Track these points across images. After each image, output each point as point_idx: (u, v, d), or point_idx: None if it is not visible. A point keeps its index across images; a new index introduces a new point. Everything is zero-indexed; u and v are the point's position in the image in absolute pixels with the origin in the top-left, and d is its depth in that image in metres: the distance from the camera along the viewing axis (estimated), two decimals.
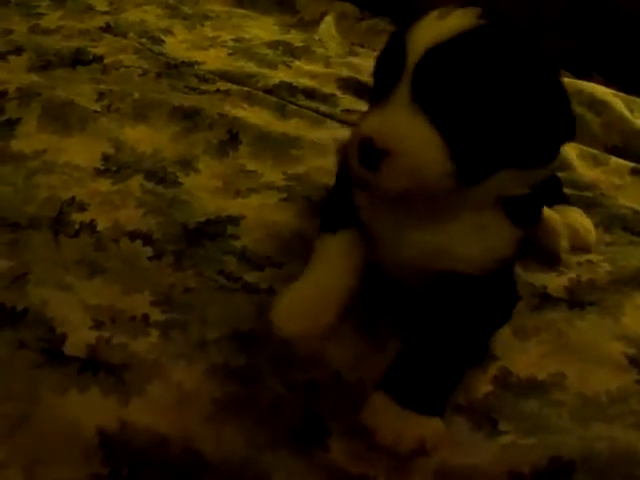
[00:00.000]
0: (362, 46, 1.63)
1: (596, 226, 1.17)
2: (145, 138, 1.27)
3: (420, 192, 0.81)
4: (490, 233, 0.90)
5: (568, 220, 1.13)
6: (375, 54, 1.44)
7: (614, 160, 1.34)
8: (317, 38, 1.60)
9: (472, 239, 0.89)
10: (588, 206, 1.20)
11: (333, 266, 0.93)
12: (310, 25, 1.67)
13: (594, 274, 1.09)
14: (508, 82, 0.80)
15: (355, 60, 1.54)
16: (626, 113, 1.42)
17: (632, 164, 1.33)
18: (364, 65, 1.51)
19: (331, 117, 1.35)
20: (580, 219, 1.15)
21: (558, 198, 1.15)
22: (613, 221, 1.20)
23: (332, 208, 0.99)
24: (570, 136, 0.87)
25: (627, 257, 1.12)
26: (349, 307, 0.93)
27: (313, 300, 0.92)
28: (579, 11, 1.56)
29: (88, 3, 1.73)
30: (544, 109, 0.83)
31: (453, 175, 0.80)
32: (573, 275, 1.09)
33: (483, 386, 0.92)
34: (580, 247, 1.13)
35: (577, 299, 1.05)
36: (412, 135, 0.79)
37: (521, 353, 0.96)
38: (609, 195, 1.26)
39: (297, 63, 1.51)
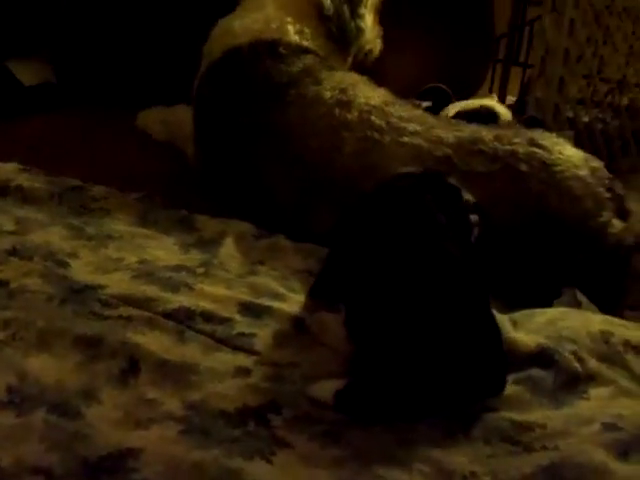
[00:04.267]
0: (262, 263, 1.71)
1: (476, 438, 1.25)
2: (49, 368, 1.31)
3: None
4: None
5: None
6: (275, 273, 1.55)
7: None
8: (217, 262, 1.67)
9: None
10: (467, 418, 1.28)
11: None
12: (209, 244, 1.75)
13: None
14: None
15: (256, 279, 1.63)
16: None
17: (513, 375, 1.40)
18: (263, 284, 1.61)
19: (225, 342, 1.42)
20: None
21: None
22: (492, 433, 1.27)
23: None
24: None
25: (508, 469, 1.19)
26: None
27: None
28: None
29: None
30: None
31: None
32: None
33: None
34: None
35: None
36: None
37: None
38: (489, 406, 1.33)
39: (199, 286, 1.57)
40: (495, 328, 1.31)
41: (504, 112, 2.09)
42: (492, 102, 2.20)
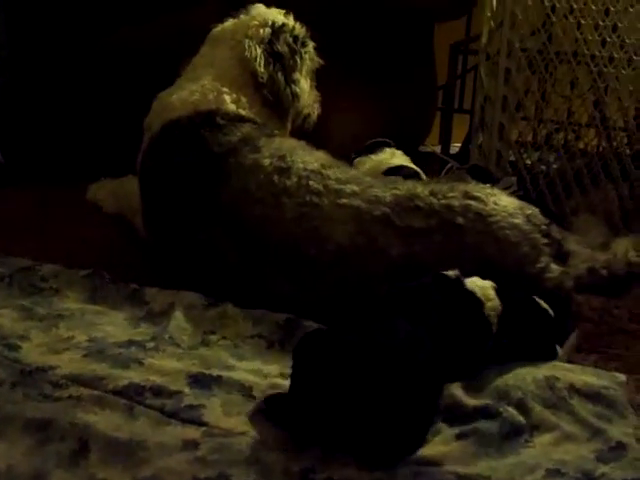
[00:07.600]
0: (213, 332, 1.74)
1: None
2: (0, 454, 1.33)
3: None
4: None
5: None
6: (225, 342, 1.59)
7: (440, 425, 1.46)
8: (167, 335, 1.69)
9: None
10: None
11: None
12: (159, 317, 1.78)
13: None
14: None
15: (206, 351, 1.66)
16: None
17: (458, 428, 1.44)
18: (213, 355, 1.64)
19: (175, 415, 1.44)
20: None
21: None
22: None
23: None
24: None
25: None
26: None
27: None
28: None
29: None
30: None
31: None
32: None
33: None
34: None
35: None
36: None
37: None
38: (433, 461, 1.35)
39: (149, 360, 1.60)
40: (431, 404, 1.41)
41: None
42: (398, 159, 2.30)
